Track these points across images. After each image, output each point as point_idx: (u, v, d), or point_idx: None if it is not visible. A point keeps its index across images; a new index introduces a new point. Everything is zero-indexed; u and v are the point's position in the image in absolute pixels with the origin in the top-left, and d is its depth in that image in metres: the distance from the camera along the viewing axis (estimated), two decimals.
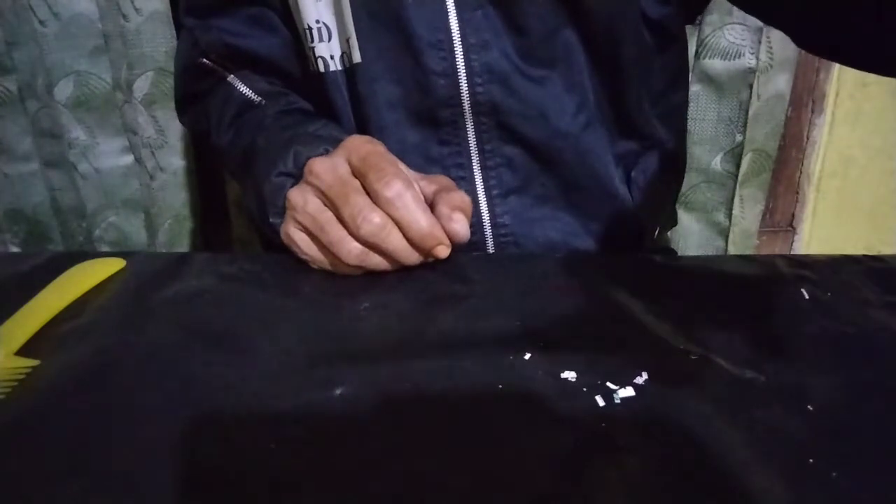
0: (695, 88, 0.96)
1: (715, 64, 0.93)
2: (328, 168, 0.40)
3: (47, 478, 0.26)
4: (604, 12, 0.48)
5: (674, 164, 0.60)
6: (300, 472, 0.26)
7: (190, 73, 0.58)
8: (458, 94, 0.49)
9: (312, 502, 0.25)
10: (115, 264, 0.43)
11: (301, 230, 0.41)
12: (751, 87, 0.93)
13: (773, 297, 0.38)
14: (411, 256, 0.39)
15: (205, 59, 0.56)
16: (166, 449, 0.27)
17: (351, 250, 0.39)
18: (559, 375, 0.31)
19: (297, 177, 0.43)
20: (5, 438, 0.28)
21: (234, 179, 0.54)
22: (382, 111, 0.50)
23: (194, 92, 0.58)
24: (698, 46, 0.93)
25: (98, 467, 0.27)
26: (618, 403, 0.29)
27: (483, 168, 0.51)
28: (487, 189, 0.52)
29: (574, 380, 0.31)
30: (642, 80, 0.52)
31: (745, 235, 1.06)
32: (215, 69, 0.56)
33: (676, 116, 0.60)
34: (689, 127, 0.98)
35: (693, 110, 0.97)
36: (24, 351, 0.34)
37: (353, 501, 0.25)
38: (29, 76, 0.92)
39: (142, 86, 0.93)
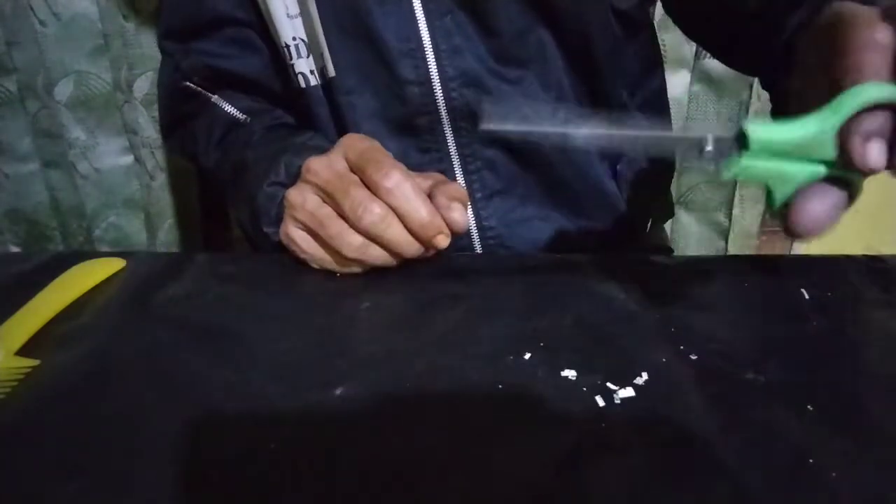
0: (695, 88, 0.96)
1: (715, 64, 0.93)
2: (326, 165, 0.40)
3: (47, 478, 0.26)
4: (573, 8, 0.48)
5: None
6: (300, 472, 0.26)
7: (174, 98, 0.58)
8: (434, 100, 0.49)
9: (312, 502, 0.25)
10: (115, 264, 0.43)
11: (301, 228, 0.41)
12: (751, 87, 0.93)
13: (773, 297, 0.38)
14: (412, 247, 0.39)
15: (188, 83, 0.56)
16: (166, 449, 0.27)
17: (351, 243, 0.39)
18: (559, 375, 0.31)
19: (289, 186, 0.43)
20: (5, 438, 0.28)
21: (226, 197, 0.54)
22: (361, 122, 0.51)
23: (179, 115, 0.59)
24: (698, 46, 0.93)
25: (98, 467, 0.27)
26: (618, 403, 0.29)
27: (465, 172, 0.52)
28: (471, 192, 0.52)
29: (574, 379, 0.31)
30: (617, 70, 0.52)
31: (745, 235, 1.06)
32: (199, 91, 0.56)
33: (656, 104, 0.60)
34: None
35: (693, 110, 0.97)
36: (24, 351, 0.34)
37: (353, 501, 0.25)
38: (29, 76, 0.92)
39: (142, 86, 0.93)
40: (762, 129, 0.26)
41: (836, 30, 0.27)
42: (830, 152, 0.26)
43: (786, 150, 0.27)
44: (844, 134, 0.25)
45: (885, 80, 0.25)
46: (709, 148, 0.27)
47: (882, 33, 0.25)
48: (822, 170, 0.27)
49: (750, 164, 0.27)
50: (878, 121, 0.25)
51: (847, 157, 0.25)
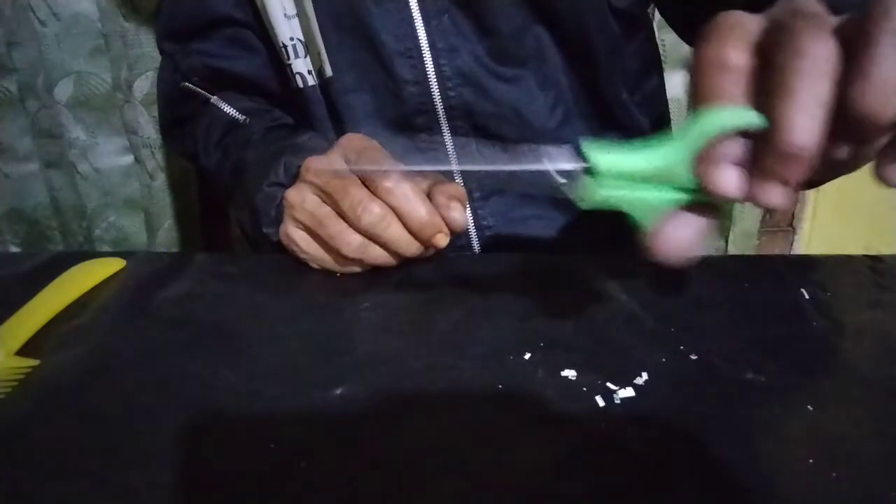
0: None
1: None
2: (325, 165, 0.40)
3: (47, 477, 0.26)
4: (571, 7, 0.48)
5: None
6: (300, 472, 0.26)
7: (174, 99, 0.58)
8: (431, 100, 0.49)
9: (312, 502, 0.25)
10: (115, 264, 0.43)
11: (300, 228, 0.41)
12: None
13: (773, 297, 0.38)
14: (411, 246, 0.39)
15: (187, 83, 0.56)
16: (166, 449, 0.27)
17: (351, 242, 0.39)
18: (559, 375, 0.31)
19: (288, 186, 0.43)
20: (5, 438, 0.28)
21: (226, 198, 0.54)
22: (359, 122, 0.51)
23: (179, 116, 0.59)
24: None
25: (97, 467, 0.27)
26: (618, 403, 0.29)
27: (463, 172, 0.52)
28: (469, 191, 0.52)
29: (574, 379, 0.31)
30: (615, 68, 0.52)
31: (745, 235, 1.06)
32: (198, 92, 0.56)
33: (655, 103, 0.60)
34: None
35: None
36: (24, 351, 0.34)
37: (353, 501, 0.25)
38: (29, 76, 0.92)
39: (142, 86, 0.94)
40: (609, 158, 0.25)
41: (700, 45, 0.24)
42: (688, 179, 0.25)
43: (640, 178, 0.26)
44: (697, 162, 0.24)
45: (737, 105, 0.23)
46: (557, 178, 0.27)
47: (736, 53, 0.23)
48: (682, 196, 0.26)
49: (604, 193, 0.26)
50: (731, 148, 0.23)
51: (702, 186, 0.24)
